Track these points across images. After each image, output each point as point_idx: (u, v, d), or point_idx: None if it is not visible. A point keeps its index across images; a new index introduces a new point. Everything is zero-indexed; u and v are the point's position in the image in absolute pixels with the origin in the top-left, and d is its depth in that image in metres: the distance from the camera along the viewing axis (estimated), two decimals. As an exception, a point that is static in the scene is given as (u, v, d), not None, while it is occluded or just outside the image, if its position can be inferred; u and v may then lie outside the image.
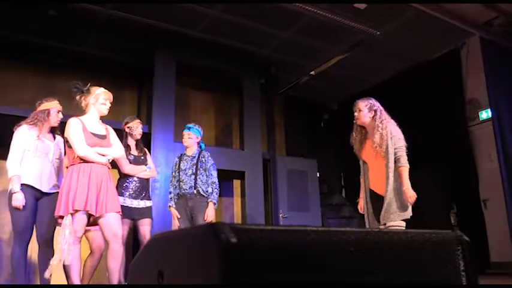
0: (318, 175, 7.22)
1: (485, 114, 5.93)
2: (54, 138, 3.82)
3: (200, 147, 4.56)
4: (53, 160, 3.73)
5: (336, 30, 5.72)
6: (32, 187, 3.56)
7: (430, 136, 6.27)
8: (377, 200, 3.51)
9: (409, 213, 3.36)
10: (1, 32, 5.42)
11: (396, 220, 3.32)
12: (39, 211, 3.60)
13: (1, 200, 5.29)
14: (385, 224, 3.40)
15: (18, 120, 3.81)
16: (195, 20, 5.53)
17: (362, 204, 3.65)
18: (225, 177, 5.85)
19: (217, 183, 4.37)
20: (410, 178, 3.39)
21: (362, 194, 3.66)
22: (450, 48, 6.36)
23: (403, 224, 3.37)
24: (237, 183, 6.88)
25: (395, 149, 3.41)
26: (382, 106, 3.64)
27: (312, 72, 6.95)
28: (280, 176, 6.78)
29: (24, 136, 3.62)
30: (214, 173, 4.40)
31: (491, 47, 5.91)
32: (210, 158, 4.45)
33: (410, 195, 3.29)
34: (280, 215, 6.55)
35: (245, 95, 6.52)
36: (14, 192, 3.46)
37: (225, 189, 6.58)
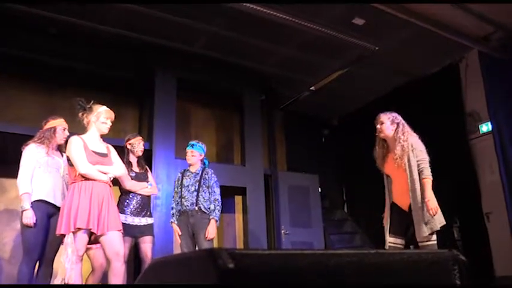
0: (319, 190, 7.21)
1: (486, 127, 5.94)
2: (62, 155, 3.85)
3: (204, 164, 4.56)
4: (63, 176, 3.76)
5: (335, 45, 5.77)
6: (45, 202, 3.58)
7: (431, 150, 6.25)
8: (399, 214, 3.53)
9: (438, 224, 3.33)
10: (2, 49, 5.48)
11: (427, 233, 3.31)
12: (50, 229, 3.59)
13: (2, 218, 5.29)
14: (421, 241, 3.37)
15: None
16: (194, 37, 5.60)
17: (387, 218, 3.64)
18: (227, 194, 5.84)
19: (219, 200, 4.37)
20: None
21: (387, 209, 3.67)
22: (449, 62, 6.40)
23: (434, 237, 3.35)
24: (238, 199, 6.86)
25: (417, 161, 3.44)
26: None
27: (312, 88, 6.99)
28: (282, 192, 6.77)
29: (33, 154, 3.65)
30: (217, 190, 4.39)
31: (489, 61, 5.95)
32: (213, 175, 4.44)
33: (432, 207, 3.29)
34: (282, 231, 6.52)
35: (246, 111, 6.55)
36: (24, 210, 3.47)
37: (226, 206, 6.56)
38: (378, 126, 3.64)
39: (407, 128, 3.60)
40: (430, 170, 3.43)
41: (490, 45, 5.85)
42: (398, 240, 3.50)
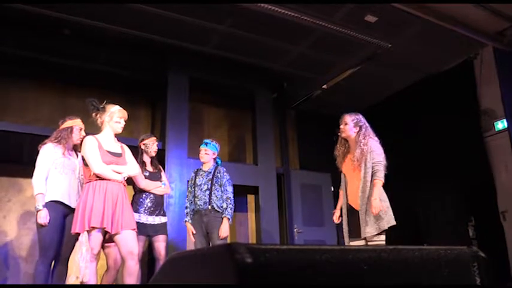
0: (332, 189, 7.17)
1: (501, 124, 5.85)
2: (77, 155, 3.88)
3: (216, 162, 4.57)
4: (79, 177, 3.80)
5: (347, 43, 5.74)
6: (60, 203, 3.62)
7: (446, 148, 6.20)
8: (352, 214, 3.58)
9: (386, 224, 3.35)
10: (17, 52, 5.54)
11: (374, 233, 3.35)
12: (66, 229, 3.64)
13: (19, 217, 5.37)
14: (365, 239, 3.42)
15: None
16: (207, 37, 5.60)
17: (337, 215, 3.74)
18: (239, 193, 5.85)
19: (232, 198, 4.38)
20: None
21: (338, 206, 3.78)
22: (463, 59, 6.31)
23: (383, 237, 3.39)
24: (251, 198, 6.87)
25: (372, 163, 3.48)
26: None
27: (324, 86, 6.95)
28: (294, 191, 6.76)
29: (49, 154, 3.69)
30: (230, 189, 4.40)
31: (504, 57, 5.86)
32: (225, 173, 4.45)
33: (375, 206, 3.30)
34: (295, 229, 6.50)
35: (258, 110, 6.55)
36: (38, 210, 3.52)
37: (239, 205, 6.57)
38: (342, 126, 3.75)
39: (369, 131, 3.66)
40: (383, 173, 3.46)
41: (505, 40, 5.77)
42: (361, 242, 3.49)
